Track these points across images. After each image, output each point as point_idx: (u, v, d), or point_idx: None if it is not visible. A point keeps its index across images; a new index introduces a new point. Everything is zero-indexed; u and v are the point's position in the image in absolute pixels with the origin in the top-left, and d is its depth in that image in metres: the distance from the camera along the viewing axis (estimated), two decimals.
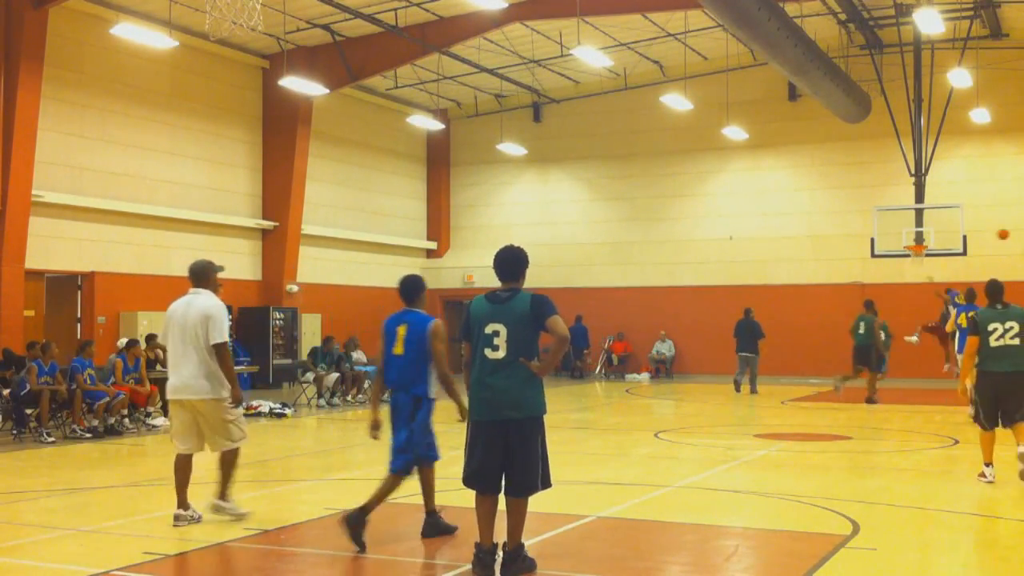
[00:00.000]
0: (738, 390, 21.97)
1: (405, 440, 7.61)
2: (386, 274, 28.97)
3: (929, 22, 19.52)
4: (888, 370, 21.33)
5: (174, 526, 8.08)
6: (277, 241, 24.84)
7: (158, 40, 18.94)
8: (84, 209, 20.35)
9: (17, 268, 18.55)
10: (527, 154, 29.84)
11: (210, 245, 23.40)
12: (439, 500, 8.41)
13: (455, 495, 9.71)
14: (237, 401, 8.25)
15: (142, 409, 15.83)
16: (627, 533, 7.98)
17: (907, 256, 23.06)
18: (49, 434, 13.99)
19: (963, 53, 23.42)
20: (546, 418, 6.73)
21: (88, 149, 20.59)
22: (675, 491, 9.93)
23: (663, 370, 28.01)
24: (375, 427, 7.76)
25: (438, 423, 7.93)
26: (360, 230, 28.03)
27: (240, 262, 24.37)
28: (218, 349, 8.13)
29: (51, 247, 19.77)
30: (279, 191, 24.80)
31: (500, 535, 6.63)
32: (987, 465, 10.07)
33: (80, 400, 14.53)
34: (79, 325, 20.64)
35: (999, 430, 10.09)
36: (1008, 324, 9.70)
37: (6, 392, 14.65)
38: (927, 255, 22.73)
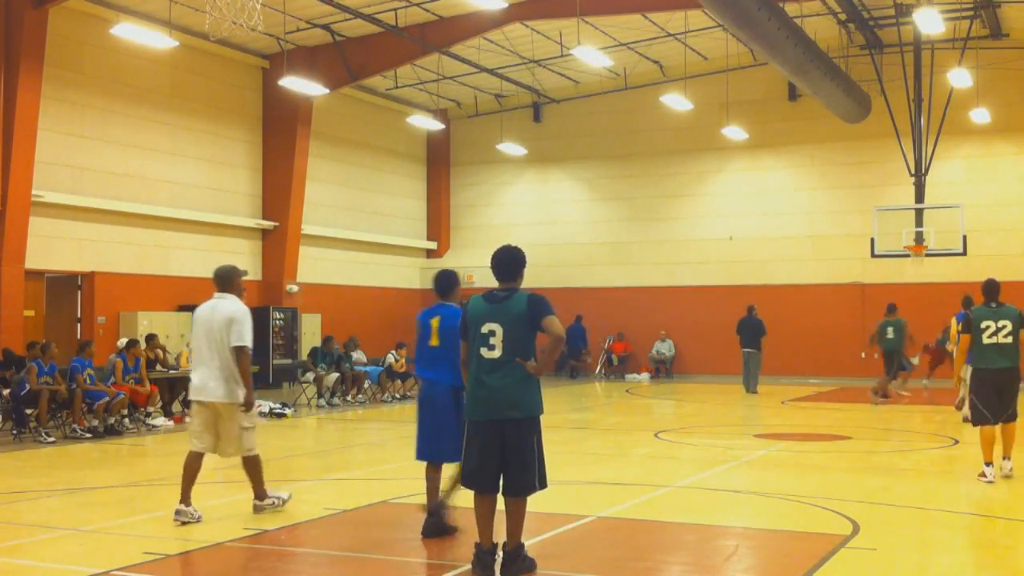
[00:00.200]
0: (749, 391, 21.96)
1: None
2: (386, 274, 29.00)
3: (929, 22, 19.51)
4: (914, 368, 21.18)
5: (174, 519, 8.16)
6: (277, 241, 24.84)
7: (158, 40, 18.94)
8: (84, 209, 20.35)
9: (17, 268, 18.55)
10: (527, 154, 29.84)
11: (210, 245, 23.42)
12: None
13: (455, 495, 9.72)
14: (249, 405, 8.37)
15: (142, 409, 15.83)
16: (627, 533, 7.98)
17: (907, 256, 23.07)
18: (48, 434, 13.99)
19: (963, 53, 23.42)
20: (546, 418, 6.73)
21: (88, 149, 20.59)
22: (675, 491, 9.93)
23: (663, 370, 28.01)
24: None
25: None
26: (360, 230, 28.03)
27: (240, 262, 24.29)
28: (238, 352, 8.27)
29: (51, 247, 19.77)
30: (279, 191, 24.80)
31: (500, 535, 6.63)
32: (987, 465, 10.16)
33: (80, 400, 14.53)
34: (79, 325, 20.64)
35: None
36: (1001, 323, 9.98)
37: (6, 392, 14.65)
38: (927, 255, 22.74)
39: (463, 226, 31.18)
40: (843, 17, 24.05)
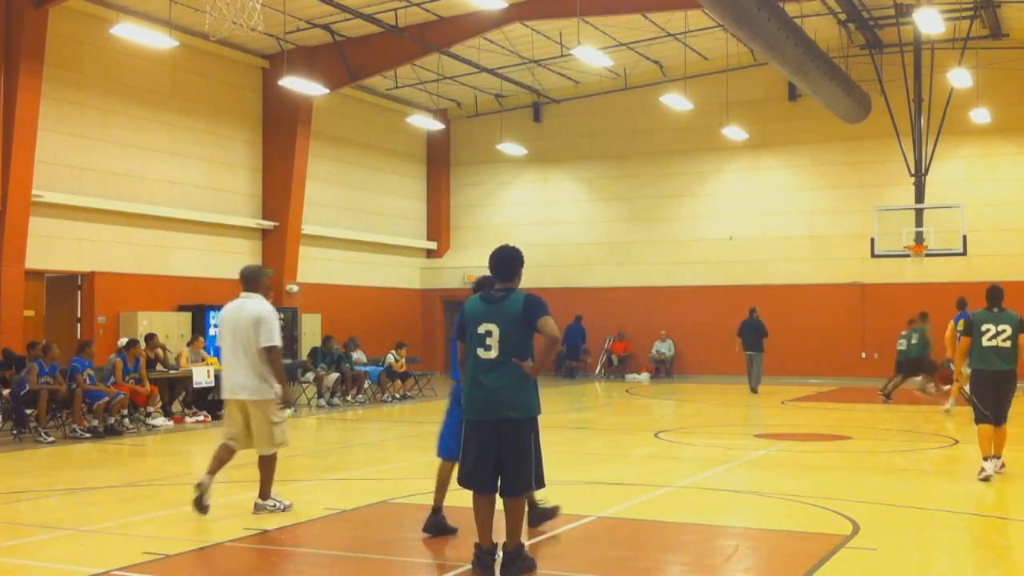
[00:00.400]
0: (755, 391, 22.01)
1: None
2: (386, 274, 29.00)
3: (929, 22, 19.51)
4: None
5: (195, 485, 8.40)
6: (277, 241, 24.84)
7: (158, 40, 18.94)
8: (84, 209, 20.35)
9: (17, 268, 18.55)
10: (527, 154, 29.84)
11: (210, 245, 23.42)
12: (446, 500, 8.39)
13: (454, 495, 9.72)
14: (286, 402, 8.63)
15: (142, 409, 15.83)
16: (627, 533, 7.98)
17: (907, 256, 23.07)
18: (48, 434, 13.99)
19: (963, 53, 23.42)
20: (545, 418, 6.74)
21: (88, 149, 20.59)
22: (675, 491, 9.93)
23: (663, 370, 28.01)
24: None
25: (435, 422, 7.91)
26: (360, 230, 28.03)
27: (240, 262, 24.24)
28: (269, 352, 8.46)
29: (51, 247, 19.77)
30: (279, 191, 24.80)
31: (500, 535, 6.63)
32: (986, 460, 10.34)
33: (80, 400, 14.53)
34: (79, 325, 20.63)
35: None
36: (1001, 327, 10.27)
37: (6, 392, 14.65)
38: (927, 255, 22.74)
39: (463, 226, 31.18)
40: (843, 17, 24.05)
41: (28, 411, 14.36)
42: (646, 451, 13.18)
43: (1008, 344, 10.22)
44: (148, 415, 15.90)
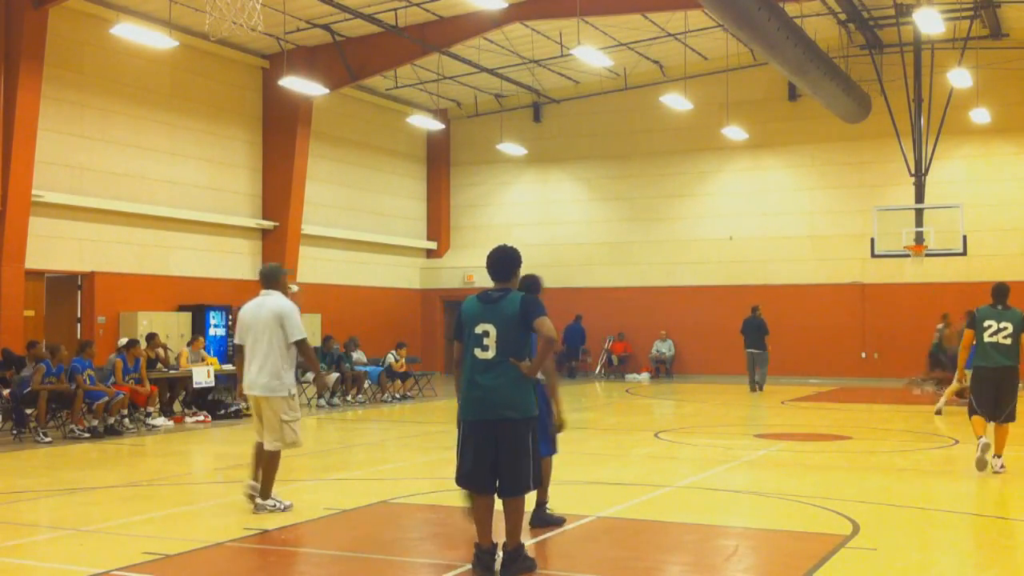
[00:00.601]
0: (753, 390, 22.10)
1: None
2: (386, 274, 28.99)
3: (929, 22, 19.51)
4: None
5: (243, 492, 8.78)
6: (277, 241, 24.83)
7: (158, 40, 18.94)
8: (84, 209, 20.35)
9: (17, 268, 18.55)
10: (527, 154, 29.84)
11: (210, 245, 23.42)
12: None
13: (455, 495, 9.73)
14: (324, 387, 8.98)
15: (142, 409, 15.83)
16: (627, 533, 7.98)
17: (907, 256, 23.07)
18: (46, 434, 13.98)
19: (963, 53, 23.42)
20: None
21: (88, 149, 20.59)
22: (675, 491, 9.93)
23: (663, 370, 28.02)
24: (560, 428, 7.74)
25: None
26: (360, 230, 28.03)
27: (240, 262, 24.37)
28: (300, 345, 8.67)
29: (51, 247, 19.77)
30: (279, 191, 24.80)
31: (500, 535, 6.63)
32: (980, 438, 10.54)
33: (80, 400, 14.52)
34: (79, 325, 20.63)
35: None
36: (1003, 324, 10.44)
37: (6, 392, 14.64)
38: (927, 255, 22.75)
39: (463, 226, 31.18)
40: (843, 17, 24.05)
41: (28, 411, 14.36)
42: (646, 451, 13.17)
43: (1009, 341, 10.38)
44: (148, 415, 15.89)
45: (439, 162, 31.06)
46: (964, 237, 22.13)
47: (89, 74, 20.61)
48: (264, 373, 8.59)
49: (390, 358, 21.20)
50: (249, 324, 8.73)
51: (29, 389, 14.23)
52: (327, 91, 23.63)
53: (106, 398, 14.67)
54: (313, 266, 26.13)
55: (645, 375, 28.01)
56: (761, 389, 22.28)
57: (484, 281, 6.72)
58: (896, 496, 9.62)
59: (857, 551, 7.23)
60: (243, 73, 24.52)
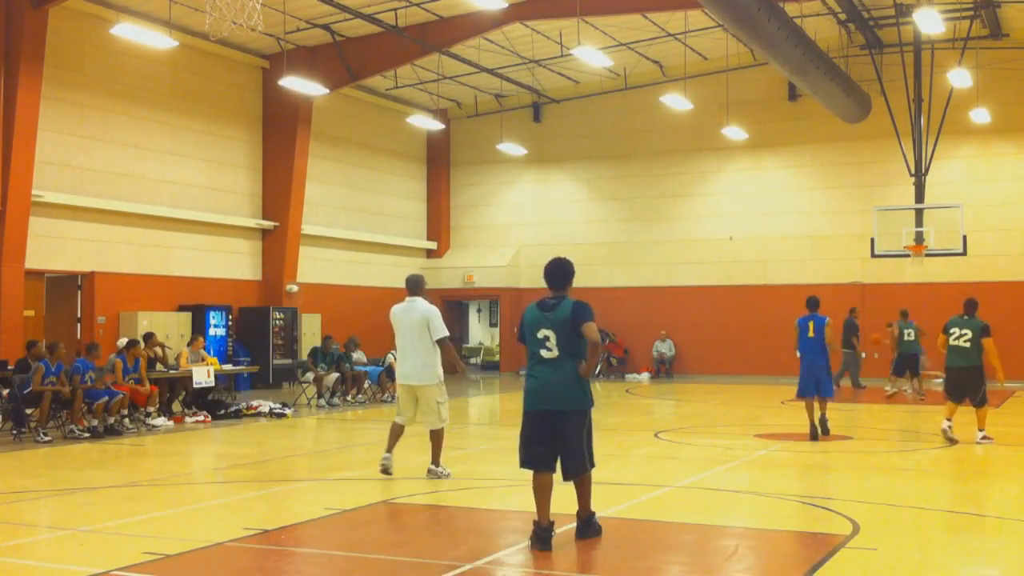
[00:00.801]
0: (854, 386, 22.34)
1: None
2: (386, 274, 28.98)
3: (929, 22, 19.51)
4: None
5: (380, 463, 10.39)
6: (277, 241, 24.84)
7: (158, 40, 18.93)
8: (84, 209, 20.35)
9: (17, 268, 18.55)
10: (527, 154, 29.84)
11: (210, 245, 23.42)
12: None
13: (451, 495, 9.73)
14: (462, 371, 11.01)
15: (142, 409, 15.82)
16: (627, 533, 7.97)
17: (907, 256, 23.07)
18: (46, 434, 13.97)
19: (963, 53, 23.42)
20: None
21: (88, 149, 20.59)
22: (675, 491, 9.93)
23: (663, 370, 28.02)
24: None
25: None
26: (360, 230, 28.03)
27: (240, 262, 24.38)
28: (442, 343, 10.18)
29: (51, 247, 19.77)
30: (279, 191, 24.81)
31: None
32: (947, 420, 13.02)
33: (80, 400, 14.52)
34: (79, 325, 20.64)
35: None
36: (964, 330, 12.80)
37: (6, 392, 14.63)
38: (927, 255, 22.74)
39: (463, 226, 31.18)
40: (843, 17, 24.05)
41: (29, 411, 14.35)
42: (646, 451, 13.17)
43: (968, 345, 12.73)
44: (148, 415, 15.88)
45: (439, 162, 31.06)
46: (964, 237, 22.13)
47: (89, 74, 20.61)
48: (417, 366, 10.19)
49: (390, 358, 21.16)
50: (403, 324, 10.33)
51: (29, 389, 14.23)
52: (327, 91, 23.63)
53: (106, 398, 14.66)
54: (313, 266, 26.14)
55: (645, 375, 28.01)
56: (862, 387, 22.50)
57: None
58: (896, 496, 9.62)
59: (857, 551, 7.23)
60: (243, 73, 24.52)
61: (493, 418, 19.27)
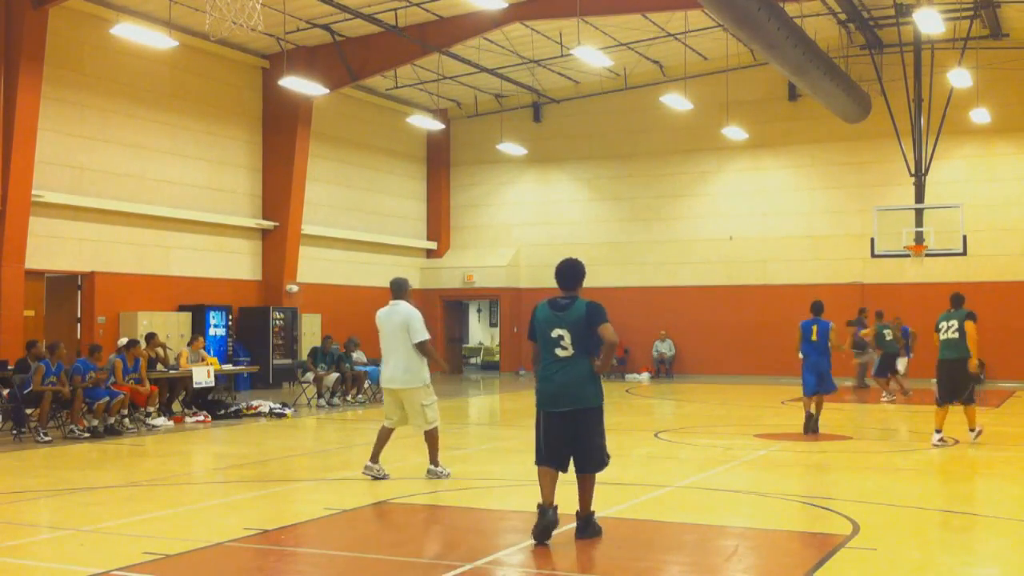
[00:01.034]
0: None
1: None
2: (386, 274, 28.86)
3: (929, 22, 19.51)
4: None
5: (363, 473, 10.34)
6: (277, 241, 24.84)
7: (158, 40, 18.93)
8: (84, 209, 20.35)
9: (17, 268, 18.55)
10: (527, 154, 29.84)
11: (210, 245, 23.42)
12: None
13: (451, 496, 9.73)
14: (444, 370, 10.20)
15: (142, 409, 15.82)
16: (627, 533, 7.97)
17: (907, 256, 23.07)
18: (46, 434, 13.97)
19: (963, 53, 23.42)
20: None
21: (88, 149, 20.59)
22: (675, 491, 9.93)
23: (663, 370, 28.02)
24: None
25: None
26: (360, 230, 28.03)
27: (240, 262, 24.38)
28: (421, 346, 10.12)
29: (51, 247, 19.77)
30: (279, 191, 24.80)
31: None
32: (937, 431, 12.90)
33: (80, 400, 14.52)
34: (79, 325, 20.63)
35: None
36: (950, 322, 12.85)
37: (6, 392, 14.63)
38: (927, 255, 22.74)
39: (463, 226, 31.17)
40: (843, 17, 24.05)
41: (29, 411, 14.34)
42: (646, 451, 13.17)
43: (957, 336, 12.73)
44: (148, 415, 15.89)
45: (439, 162, 31.06)
46: (964, 237, 22.12)
47: (89, 74, 20.61)
48: (400, 370, 10.11)
49: None
50: (385, 327, 10.25)
51: (30, 389, 14.23)
52: (327, 91, 23.63)
53: (106, 398, 14.66)
54: (313, 266, 26.13)
55: (645, 375, 28.02)
56: (866, 387, 22.56)
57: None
58: (896, 496, 9.62)
59: (857, 551, 7.23)
60: (243, 73, 24.52)
61: (493, 418, 19.26)
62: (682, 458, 12.61)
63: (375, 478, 10.23)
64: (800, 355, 14.74)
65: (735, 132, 26.45)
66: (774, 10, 17.33)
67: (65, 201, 19.86)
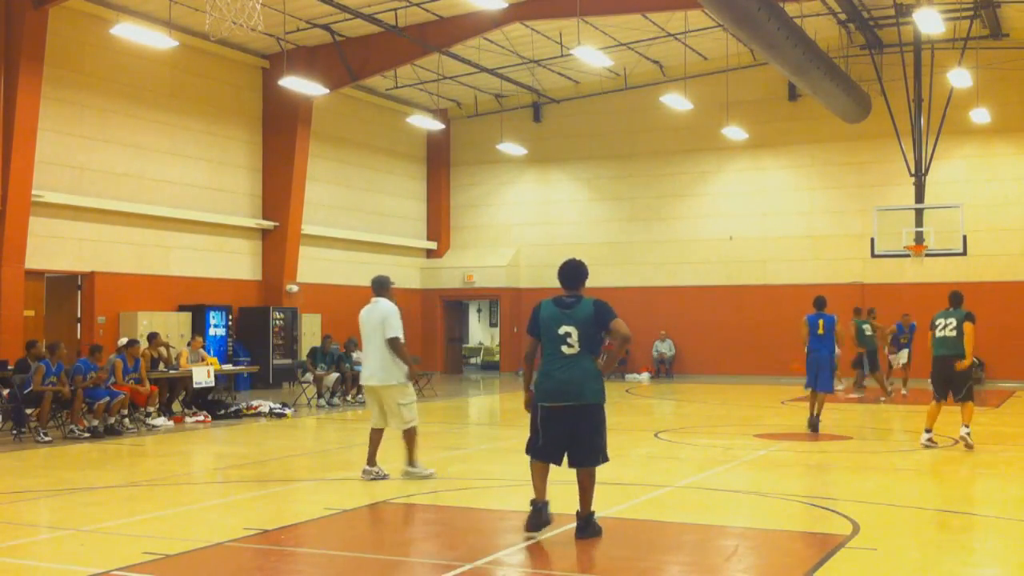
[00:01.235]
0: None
1: None
2: (386, 274, 28.94)
3: (929, 22, 19.51)
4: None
5: (362, 477, 10.22)
6: (277, 241, 24.84)
7: (158, 40, 18.93)
8: (84, 209, 20.35)
9: (17, 268, 18.55)
10: (527, 154, 29.84)
11: (210, 245, 23.42)
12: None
13: (451, 496, 9.73)
14: (412, 379, 10.33)
15: (142, 409, 15.82)
16: (627, 533, 7.97)
17: (907, 256, 23.06)
18: (46, 434, 13.97)
19: (963, 53, 23.42)
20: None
21: (88, 149, 20.59)
22: (675, 491, 9.93)
23: (663, 370, 28.02)
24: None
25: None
26: (360, 230, 28.03)
27: (240, 262, 24.38)
28: (392, 343, 10.04)
29: (51, 247, 19.77)
30: (279, 191, 24.80)
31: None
32: (927, 431, 12.90)
33: (80, 400, 14.51)
34: (79, 325, 20.63)
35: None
36: (948, 320, 12.81)
37: (6, 392, 14.63)
38: (927, 255, 22.73)
39: (463, 226, 31.17)
40: (843, 17, 24.05)
41: (29, 411, 14.34)
42: (646, 451, 13.17)
43: (953, 334, 12.67)
44: (148, 415, 15.89)
45: (439, 162, 31.06)
46: (964, 237, 22.12)
47: (89, 74, 20.61)
48: (378, 367, 10.06)
49: None
50: (365, 324, 10.23)
51: (30, 389, 14.23)
52: (327, 91, 23.63)
53: (106, 398, 14.66)
54: (313, 266, 26.13)
55: (645, 375, 28.02)
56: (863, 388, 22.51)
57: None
58: (896, 496, 9.62)
59: (857, 551, 7.23)
60: (243, 73, 24.52)
61: (493, 418, 19.26)
62: (682, 458, 12.61)
63: (374, 480, 10.20)
64: (806, 349, 14.94)
65: (735, 132, 26.45)
66: (774, 10, 17.33)
67: (65, 201, 19.86)
